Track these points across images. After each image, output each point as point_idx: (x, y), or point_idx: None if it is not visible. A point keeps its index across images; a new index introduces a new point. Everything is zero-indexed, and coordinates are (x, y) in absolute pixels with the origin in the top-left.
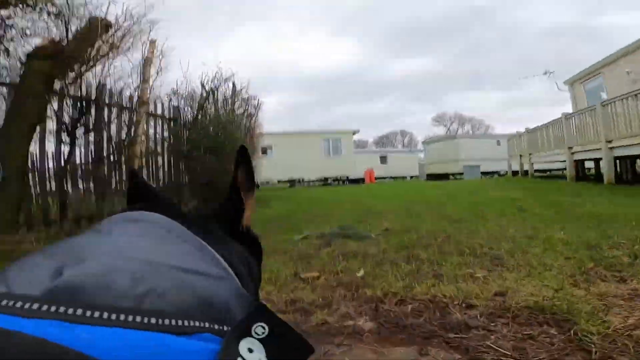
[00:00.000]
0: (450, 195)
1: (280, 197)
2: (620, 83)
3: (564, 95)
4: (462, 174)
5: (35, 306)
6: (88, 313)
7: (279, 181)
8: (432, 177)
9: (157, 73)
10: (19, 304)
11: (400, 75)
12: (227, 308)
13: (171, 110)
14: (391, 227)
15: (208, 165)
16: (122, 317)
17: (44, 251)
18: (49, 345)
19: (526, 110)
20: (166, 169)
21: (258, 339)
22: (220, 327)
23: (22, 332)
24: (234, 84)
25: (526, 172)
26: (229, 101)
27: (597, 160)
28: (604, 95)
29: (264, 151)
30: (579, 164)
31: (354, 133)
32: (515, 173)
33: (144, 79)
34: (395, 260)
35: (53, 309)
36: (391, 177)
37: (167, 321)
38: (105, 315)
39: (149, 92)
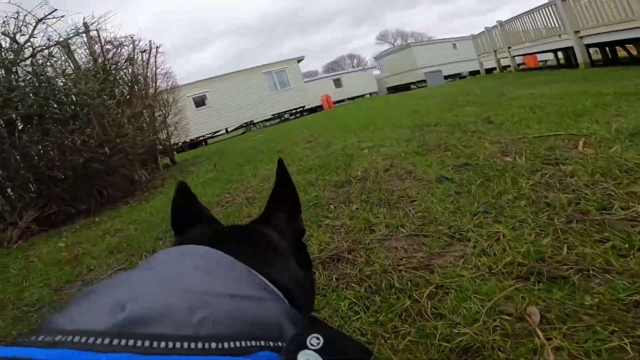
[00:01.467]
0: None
1: (211, 156)
2: None
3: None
4: (424, 81)
5: (107, 341)
6: (155, 344)
7: (228, 130)
8: (392, 89)
9: None
10: (91, 340)
11: (337, 2)
12: (279, 326)
13: None
14: None
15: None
16: (185, 345)
17: (103, 287)
18: None
19: (463, 21)
20: None
21: (314, 350)
22: (276, 344)
23: None
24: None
25: (505, 67)
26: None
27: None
28: None
29: (200, 102)
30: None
31: (298, 61)
32: (489, 70)
33: None
34: None
35: (123, 342)
36: (349, 99)
37: (225, 344)
38: (170, 344)
39: None
